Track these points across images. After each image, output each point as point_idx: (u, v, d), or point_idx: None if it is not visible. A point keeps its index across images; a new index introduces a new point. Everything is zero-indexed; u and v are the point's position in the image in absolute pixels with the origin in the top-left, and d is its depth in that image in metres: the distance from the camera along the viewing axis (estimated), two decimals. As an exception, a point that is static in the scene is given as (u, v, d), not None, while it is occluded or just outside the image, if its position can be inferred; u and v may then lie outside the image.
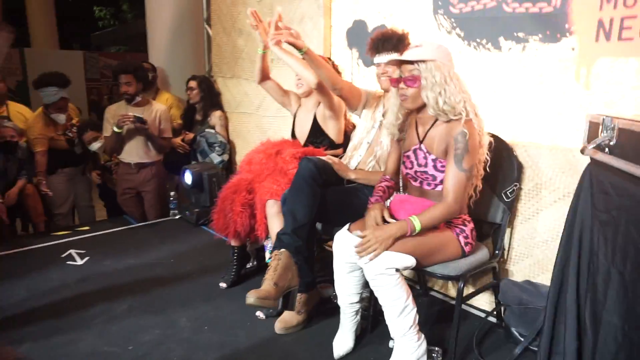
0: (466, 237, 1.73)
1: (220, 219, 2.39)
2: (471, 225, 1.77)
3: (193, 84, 3.76)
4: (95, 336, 2.04)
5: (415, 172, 1.77)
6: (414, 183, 1.80)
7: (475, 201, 1.80)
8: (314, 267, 2.13)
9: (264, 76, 2.49)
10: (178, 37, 4.20)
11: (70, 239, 3.26)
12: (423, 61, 1.62)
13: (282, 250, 1.94)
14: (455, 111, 1.63)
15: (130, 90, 3.33)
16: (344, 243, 1.76)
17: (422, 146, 1.74)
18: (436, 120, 1.71)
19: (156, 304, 2.31)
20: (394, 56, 1.68)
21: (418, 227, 1.60)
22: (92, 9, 11.79)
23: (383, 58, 1.93)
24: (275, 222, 2.16)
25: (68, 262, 2.85)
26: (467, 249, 1.73)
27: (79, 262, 2.86)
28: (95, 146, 3.56)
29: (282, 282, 1.89)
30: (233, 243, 2.51)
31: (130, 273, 2.70)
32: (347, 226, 1.79)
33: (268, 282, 1.85)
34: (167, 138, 3.56)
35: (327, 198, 2.02)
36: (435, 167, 1.71)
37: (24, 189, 3.33)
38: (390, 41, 1.91)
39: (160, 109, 3.50)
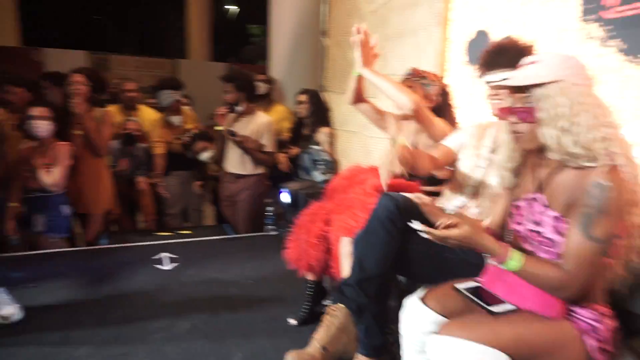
0: (600, 340, 1.17)
1: (294, 248, 2.15)
2: (611, 322, 1.20)
3: (303, 97, 3.63)
4: (148, 354, 1.96)
5: (528, 230, 1.28)
6: (525, 246, 1.30)
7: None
8: (387, 326, 1.74)
9: (358, 98, 2.18)
10: (297, 50, 4.15)
11: (168, 241, 3.36)
12: (540, 84, 1.15)
13: (341, 305, 1.59)
14: (591, 154, 1.12)
15: (228, 99, 3.34)
16: (415, 315, 1.35)
17: (541, 196, 1.24)
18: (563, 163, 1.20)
19: (218, 329, 2.17)
20: (507, 74, 1.23)
21: (514, 265, 1.16)
22: (245, 26, 12.93)
23: (493, 76, 1.47)
24: (347, 264, 1.82)
25: (156, 266, 2.89)
26: (598, 357, 1.17)
27: (166, 267, 2.89)
28: (204, 156, 3.65)
29: (334, 347, 1.54)
30: (308, 277, 2.23)
31: (206, 288, 2.62)
32: (419, 292, 1.37)
33: (315, 344, 1.52)
34: (269, 152, 3.46)
35: (409, 247, 1.62)
36: (556, 228, 1.20)
37: (140, 186, 3.54)
38: (505, 55, 1.43)
39: (264, 121, 3.42)
